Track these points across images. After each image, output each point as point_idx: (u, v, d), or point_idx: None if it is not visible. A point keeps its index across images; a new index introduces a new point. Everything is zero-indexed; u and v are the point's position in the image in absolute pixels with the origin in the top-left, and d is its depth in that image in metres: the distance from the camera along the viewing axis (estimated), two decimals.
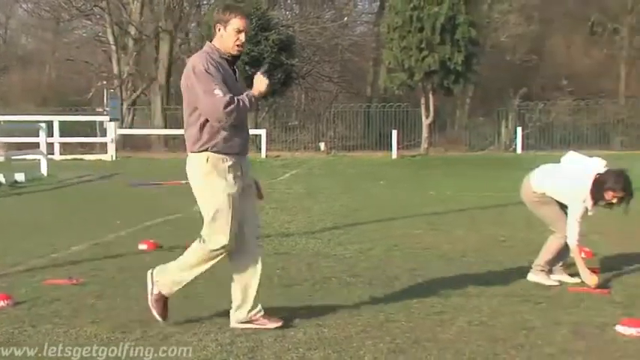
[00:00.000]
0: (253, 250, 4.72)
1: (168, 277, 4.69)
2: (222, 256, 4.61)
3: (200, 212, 4.65)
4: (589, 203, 5.74)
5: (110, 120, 23.65)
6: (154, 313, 4.68)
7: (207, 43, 4.64)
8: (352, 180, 16.29)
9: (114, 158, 22.81)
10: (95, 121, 26.50)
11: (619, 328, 4.58)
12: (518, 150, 25.03)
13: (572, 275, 5.97)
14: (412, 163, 21.74)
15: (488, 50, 28.16)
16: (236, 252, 4.67)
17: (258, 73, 4.62)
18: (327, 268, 6.56)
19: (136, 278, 6.07)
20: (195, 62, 4.49)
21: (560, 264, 6.10)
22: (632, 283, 5.95)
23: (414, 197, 12.80)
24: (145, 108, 32.48)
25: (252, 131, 28.30)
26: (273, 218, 9.63)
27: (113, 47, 31.36)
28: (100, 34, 34.52)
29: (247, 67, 24.30)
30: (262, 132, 24.78)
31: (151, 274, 4.73)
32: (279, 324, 4.65)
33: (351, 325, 4.70)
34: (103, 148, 24.01)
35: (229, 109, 4.37)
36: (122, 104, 29.45)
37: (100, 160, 22.60)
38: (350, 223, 9.48)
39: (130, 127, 29.55)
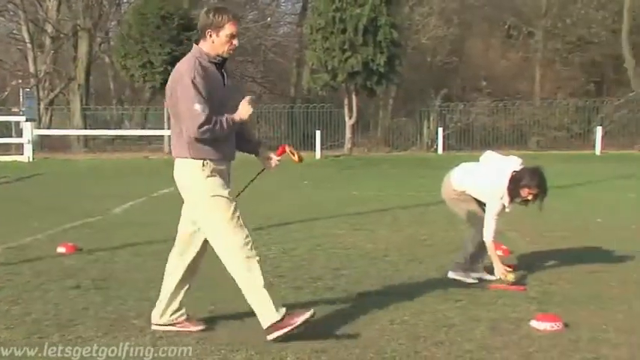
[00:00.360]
0: (197, 258, 4.68)
1: (264, 310, 4.42)
2: (254, 248, 4.47)
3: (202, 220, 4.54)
4: (506, 200, 5.89)
5: (26, 120, 22.94)
6: (301, 320, 4.37)
7: (195, 46, 4.50)
8: (276, 180, 16.26)
9: (31, 159, 22.15)
10: (11, 122, 25.73)
11: (534, 324, 4.71)
12: (440, 150, 25.47)
13: (490, 273, 6.11)
14: (336, 163, 21.87)
15: (410, 52, 28.56)
16: (181, 255, 4.65)
17: (246, 99, 4.53)
18: None
19: (53, 282, 5.93)
20: (183, 70, 4.38)
21: (480, 262, 6.24)
22: (547, 279, 6.12)
23: (337, 197, 12.87)
24: (63, 108, 31.66)
25: (168, 132, 27.38)
26: None
27: (29, 45, 30.44)
28: (14, 31, 33.47)
29: (170, 68, 24.04)
30: None
31: (269, 337, 4.38)
32: (202, 327, 4.62)
33: None
34: (19, 149, 23.28)
35: (203, 129, 4.30)
36: (39, 104, 28.65)
37: (16, 161, 21.91)
38: (273, 223, 9.47)
39: (48, 128, 28.77)
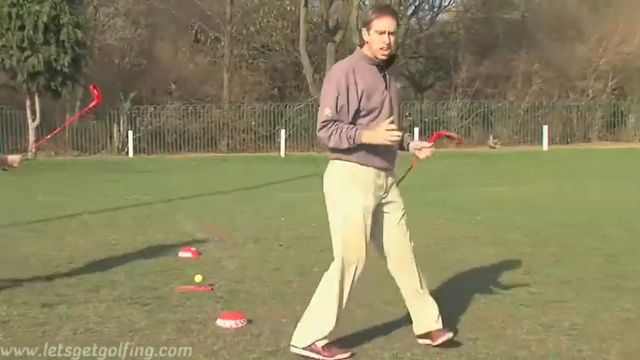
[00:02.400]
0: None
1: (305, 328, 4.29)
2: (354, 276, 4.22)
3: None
4: None
5: None
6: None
7: (358, 49, 4.28)
8: None
9: None
10: None
11: (219, 322, 4.84)
12: (131, 154, 25.14)
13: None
14: (19, 167, 20.47)
15: (96, 53, 27.76)
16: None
17: (386, 122, 4.07)
18: None
19: None
20: (333, 72, 4.23)
21: None
22: (233, 278, 6.32)
23: (20, 203, 12.09)
24: None
25: None
26: None
27: None
28: None
29: None
30: None
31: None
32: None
33: None
34: None
35: (321, 132, 4.13)
36: None
37: None
38: None
39: None
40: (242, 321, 4.83)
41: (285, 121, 27.42)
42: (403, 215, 4.34)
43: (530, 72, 30.58)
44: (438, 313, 4.42)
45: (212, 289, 5.88)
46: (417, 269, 4.40)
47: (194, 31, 31.29)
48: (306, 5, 28.73)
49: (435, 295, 5.51)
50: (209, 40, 30.60)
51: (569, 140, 28.87)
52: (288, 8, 30.59)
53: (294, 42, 30.40)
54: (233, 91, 29.73)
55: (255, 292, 5.81)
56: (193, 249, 7.42)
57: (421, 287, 4.42)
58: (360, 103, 4.14)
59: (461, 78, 30.82)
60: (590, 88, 29.52)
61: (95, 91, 5.71)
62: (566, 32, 31.07)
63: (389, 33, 4.13)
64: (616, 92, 30.18)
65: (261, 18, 29.93)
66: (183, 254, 7.26)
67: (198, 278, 5.97)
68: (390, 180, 4.32)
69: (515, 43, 31.34)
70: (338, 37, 30.10)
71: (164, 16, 30.87)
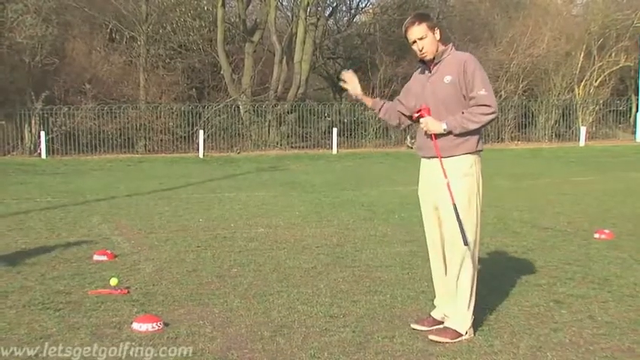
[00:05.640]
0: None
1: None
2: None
3: None
4: None
5: None
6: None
7: None
8: None
9: None
10: None
11: (135, 326, 4.76)
12: (43, 155, 24.44)
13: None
14: None
15: (5, 51, 26.82)
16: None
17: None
18: None
19: None
20: None
21: None
22: (150, 280, 6.24)
23: None
24: None
25: None
26: None
27: None
28: None
29: None
30: None
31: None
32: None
33: None
34: None
35: None
36: None
37: None
38: None
39: None
40: (158, 324, 4.77)
41: (204, 121, 27.16)
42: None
43: None
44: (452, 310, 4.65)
45: (128, 292, 5.79)
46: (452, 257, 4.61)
47: (109, 30, 30.60)
48: (223, 5, 28.52)
49: (350, 295, 5.57)
50: (124, 39, 29.96)
51: (483, 140, 29.59)
52: (205, 8, 30.25)
53: (212, 42, 30.11)
54: (150, 91, 29.21)
55: (173, 294, 5.75)
56: (109, 252, 7.29)
57: (447, 275, 4.70)
58: (409, 93, 4.86)
59: (378, 79, 31.15)
60: (502, 90, 30.28)
61: None
62: (479, 35, 31.83)
63: (418, 40, 4.62)
64: (526, 93, 31.09)
65: (178, 17, 29.49)
66: (99, 257, 7.13)
67: (113, 281, 5.87)
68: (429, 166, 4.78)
69: None
70: (256, 37, 30.01)
71: (77, 14, 30.08)
